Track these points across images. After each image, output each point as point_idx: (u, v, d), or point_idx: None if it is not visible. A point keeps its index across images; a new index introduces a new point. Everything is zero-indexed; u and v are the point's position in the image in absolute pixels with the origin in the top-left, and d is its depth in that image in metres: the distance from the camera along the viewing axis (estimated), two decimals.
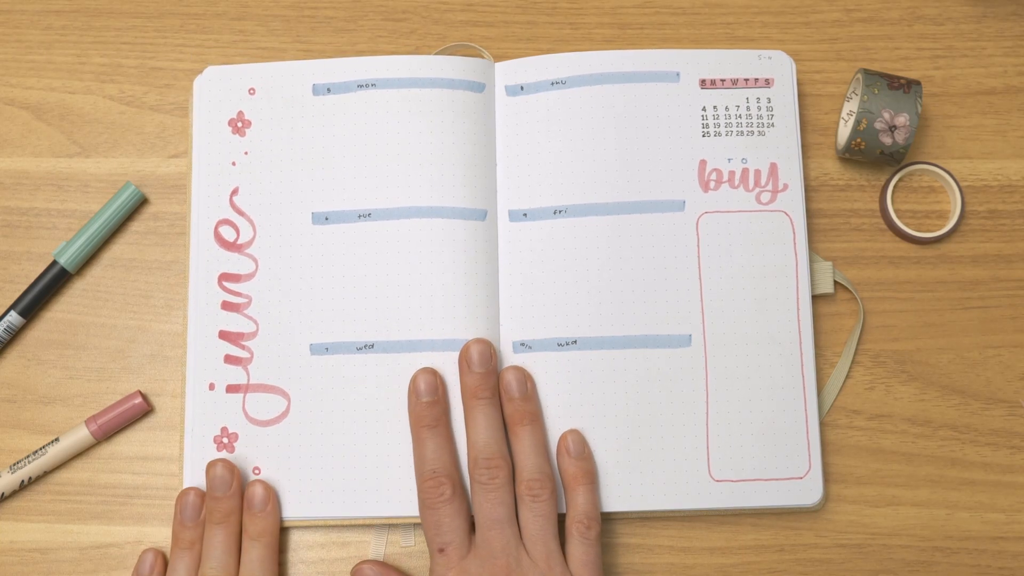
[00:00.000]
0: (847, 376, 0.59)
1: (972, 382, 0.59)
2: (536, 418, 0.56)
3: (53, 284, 0.59)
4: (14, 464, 0.57)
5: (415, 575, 0.57)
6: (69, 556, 0.57)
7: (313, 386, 0.57)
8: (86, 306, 0.60)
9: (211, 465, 0.55)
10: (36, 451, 0.57)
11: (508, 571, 0.52)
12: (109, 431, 0.58)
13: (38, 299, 0.59)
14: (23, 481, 0.57)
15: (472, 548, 0.53)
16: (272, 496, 0.55)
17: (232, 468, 0.55)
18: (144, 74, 0.62)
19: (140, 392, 0.58)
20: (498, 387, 0.56)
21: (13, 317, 0.59)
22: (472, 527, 0.54)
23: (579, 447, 0.56)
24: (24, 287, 0.59)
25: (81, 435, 0.57)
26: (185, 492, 0.55)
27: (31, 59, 0.62)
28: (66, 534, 0.57)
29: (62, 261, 0.59)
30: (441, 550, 0.53)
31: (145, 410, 0.58)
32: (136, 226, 0.61)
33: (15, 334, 0.59)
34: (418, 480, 0.54)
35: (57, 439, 0.57)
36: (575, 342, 0.57)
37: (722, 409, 0.57)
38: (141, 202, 0.61)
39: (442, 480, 0.53)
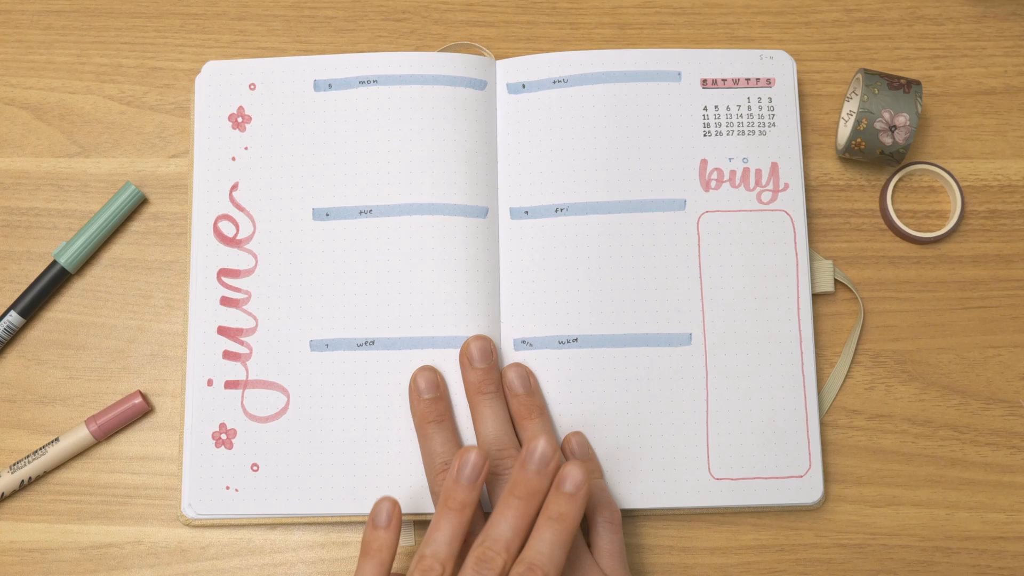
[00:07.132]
0: (847, 376, 0.59)
1: (972, 382, 0.59)
2: (543, 411, 0.55)
3: (53, 284, 0.59)
4: (14, 464, 0.57)
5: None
6: (69, 556, 0.57)
7: (313, 383, 0.57)
8: (86, 306, 0.60)
9: (536, 440, 0.49)
10: (36, 451, 0.57)
11: None
12: (109, 431, 0.57)
13: (38, 299, 0.59)
14: (23, 481, 0.57)
15: None
16: (585, 482, 0.48)
17: (556, 446, 0.49)
18: (144, 74, 0.62)
19: (140, 392, 0.58)
20: (501, 383, 0.56)
21: (13, 317, 0.59)
22: None
23: (584, 449, 0.55)
24: (24, 287, 0.59)
25: (81, 435, 0.57)
26: (468, 449, 0.49)
27: (31, 59, 0.62)
28: (66, 534, 0.57)
29: (62, 261, 0.59)
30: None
31: (145, 410, 0.58)
32: (136, 226, 0.61)
33: (15, 334, 0.59)
34: (430, 475, 0.53)
35: (57, 439, 0.57)
36: (576, 340, 0.57)
37: (722, 407, 0.57)
38: (141, 202, 0.61)
39: None
